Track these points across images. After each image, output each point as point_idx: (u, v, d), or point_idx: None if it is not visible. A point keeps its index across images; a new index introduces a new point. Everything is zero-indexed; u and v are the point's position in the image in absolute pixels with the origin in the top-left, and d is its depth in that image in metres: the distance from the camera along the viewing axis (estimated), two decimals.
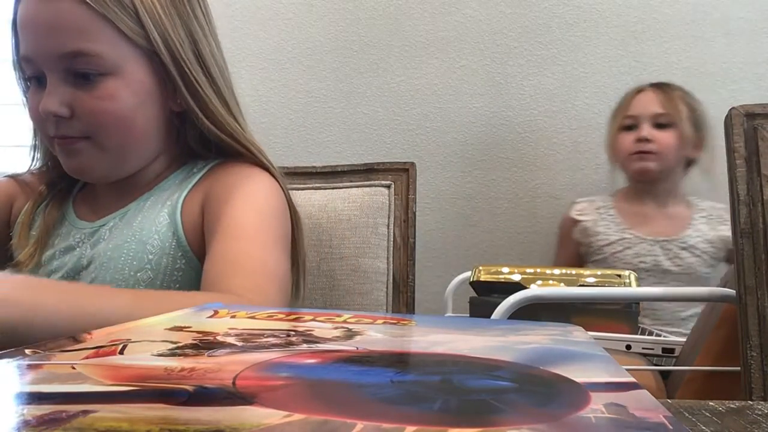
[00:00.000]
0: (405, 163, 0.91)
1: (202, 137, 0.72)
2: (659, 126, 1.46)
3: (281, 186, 0.72)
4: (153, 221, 0.68)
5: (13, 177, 0.78)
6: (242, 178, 0.69)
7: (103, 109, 0.64)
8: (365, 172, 0.92)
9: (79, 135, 0.65)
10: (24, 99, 0.70)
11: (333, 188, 0.91)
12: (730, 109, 0.76)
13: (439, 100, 1.78)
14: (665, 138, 1.45)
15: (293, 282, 0.71)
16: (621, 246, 1.48)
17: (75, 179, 0.75)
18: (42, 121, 0.65)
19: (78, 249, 0.69)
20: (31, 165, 0.78)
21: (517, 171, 1.70)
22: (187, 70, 0.67)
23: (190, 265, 0.67)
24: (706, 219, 1.48)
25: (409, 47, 1.79)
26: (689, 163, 1.50)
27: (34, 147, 0.76)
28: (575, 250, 1.56)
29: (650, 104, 1.47)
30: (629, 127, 1.49)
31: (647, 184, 1.50)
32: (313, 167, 0.95)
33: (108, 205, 0.72)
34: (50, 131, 0.65)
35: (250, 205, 0.66)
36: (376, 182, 0.90)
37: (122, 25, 0.63)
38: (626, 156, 1.48)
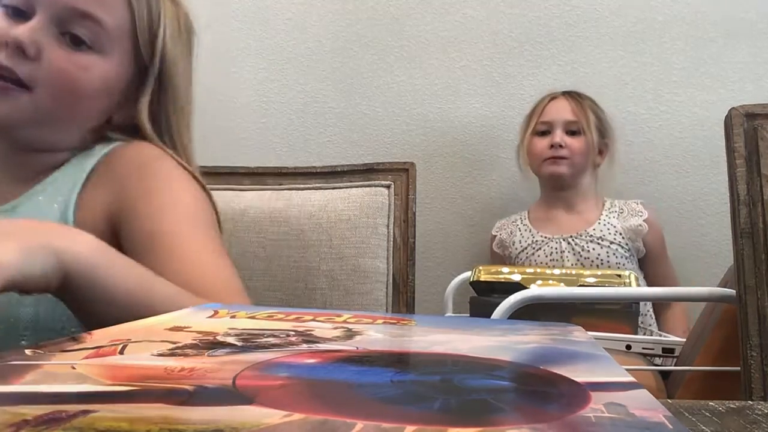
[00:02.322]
0: (405, 163, 0.92)
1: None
2: (570, 133, 1.54)
3: (196, 178, 0.66)
4: (42, 219, 0.60)
5: None
6: (163, 186, 0.62)
7: (70, 73, 0.60)
8: (365, 172, 0.92)
9: (24, 80, 0.59)
10: None
11: (333, 188, 0.91)
12: (730, 109, 0.76)
13: (439, 100, 1.78)
14: (575, 144, 1.53)
15: None
16: (533, 249, 1.55)
17: None
18: None
19: None
20: None
21: (517, 171, 1.70)
22: (175, 95, 0.67)
23: None
24: (616, 214, 1.55)
25: (409, 47, 1.79)
26: (594, 167, 1.59)
27: None
28: (501, 263, 1.63)
29: (563, 111, 1.55)
30: (542, 133, 1.56)
31: (558, 188, 1.58)
32: (313, 167, 0.95)
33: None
34: None
35: (182, 217, 0.60)
36: (376, 182, 0.90)
37: (139, 21, 0.63)
38: (540, 160, 1.55)
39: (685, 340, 1.08)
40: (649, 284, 1.53)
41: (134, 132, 0.68)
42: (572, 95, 1.57)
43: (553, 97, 1.58)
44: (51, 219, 0.60)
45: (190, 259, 0.56)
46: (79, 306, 0.46)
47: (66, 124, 0.64)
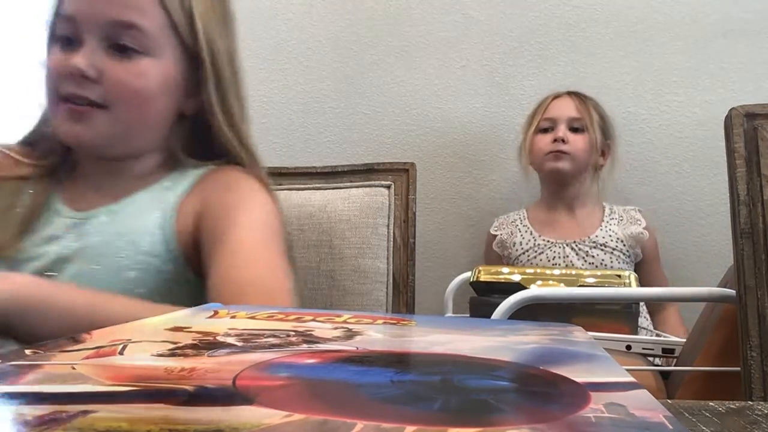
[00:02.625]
0: (405, 163, 0.92)
1: (197, 143, 0.74)
2: (573, 130, 1.54)
3: (273, 198, 0.73)
4: (145, 222, 0.68)
5: None
6: (242, 194, 0.70)
7: (130, 83, 0.66)
8: (365, 172, 0.92)
9: (96, 100, 0.65)
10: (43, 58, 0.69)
11: (333, 188, 0.91)
12: (730, 109, 0.76)
13: (439, 100, 1.78)
14: (578, 140, 1.53)
15: None
16: (535, 252, 1.55)
17: (60, 163, 0.74)
18: (61, 78, 0.65)
19: (62, 240, 0.67)
20: (20, 139, 0.76)
21: (517, 171, 1.70)
22: (223, 76, 0.71)
23: (178, 270, 0.67)
24: (616, 221, 1.56)
25: (409, 47, 1.79)
26: (595, 169, 1.59)
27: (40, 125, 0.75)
28: (498, 262, 1.63)
29: (567, 108, 1.55)
30: (545, 130, 1.56)
31: (559, 186, 1.57)
32: (313, 167, 0.95)
33: (96, 198, 0.71)
34: (66, 89, 0.65)
35: (252, 225, 0.67)
36: (376, 182, 0.90)
37: (175, 15, 0.67)
38: (542, 156, 1.55)
39: (685, 340, 1.07)
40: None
41: (213, 151, 0.74)
42: (576, 94, 1.57)
43: (556, 96, 1.58)
44: (151, 222, 0.68)
45: (250, 263, 0.63)
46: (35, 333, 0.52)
47: (142, 128, 0.70)
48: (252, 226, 0.67)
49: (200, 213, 0.68)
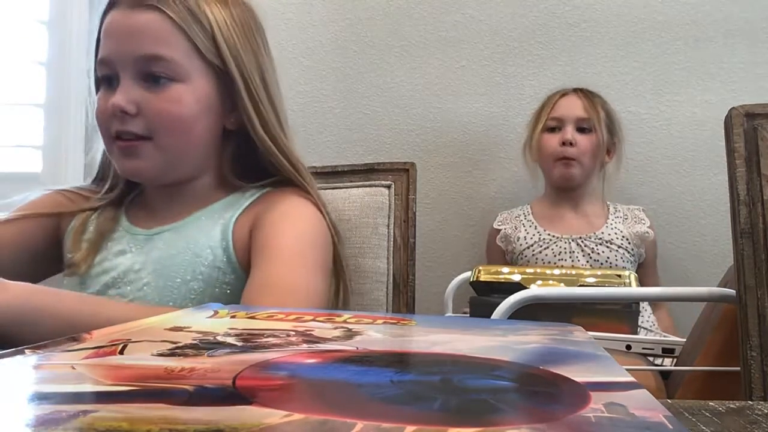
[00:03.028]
0: (405, 163, 0.91)
1: (247, 161, 0.77)
2: (580, 129, 1.52)
3: (323, 212, 0.76)
4: (207, 236, 0.73)
5: (61, 191, 0.83)
6: (289, 208, 0.74)
7: (167, 110, 0.70)
8: (365, 172, 0.92)
9: (141, 133, 0.70)
10: (92, 102, 0.75)
11: (333, 188, 0.91)
12: (730, 109, 0.76)
13: (439, 100, 1.78)
14: (586, 142, 1.52)
15: (336, 291, 0.76)
16: (539, 247, 1.54)
17: (126, 192, 0.81)
18: (107, 118, 0.70)
19: (131, 253, 0.74)
20: (84, 180, 0.84)
21: (517, 171, 1.70)
22: (253, 88, 0.74)
23: (239, 280, 0.71)
24: (621, 219, 1.55)
25: (409, 47, 1.79)
26: (601, 166, 1.58)
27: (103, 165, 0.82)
28: (501, 257, 1.63)
29: (574, 108, 1.54)
30: (552, 129, 1.55)
31: (567, 188, 1.57)
32: (313, 167, 0.95)
33: (161, 216, 0.76)
34: (114, 127, 0.70)
35: (291, 231, 0.71)
36: (377, 182, 0.90)
37: (197, 41, 0.71)
38: (551, 160, 1.54)
39: (685, 340, 1.08)
40: None
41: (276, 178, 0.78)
42: (583, 92, 1.56)
43: (563, 94, 1.57)
44: (213, 236, 0.73)
45: (281, 267, 0.67)
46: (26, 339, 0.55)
47: (190, 150, 0.73)
48: (291, 236, 0.71)
49: (253, 226, 0.73)
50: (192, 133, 0.72)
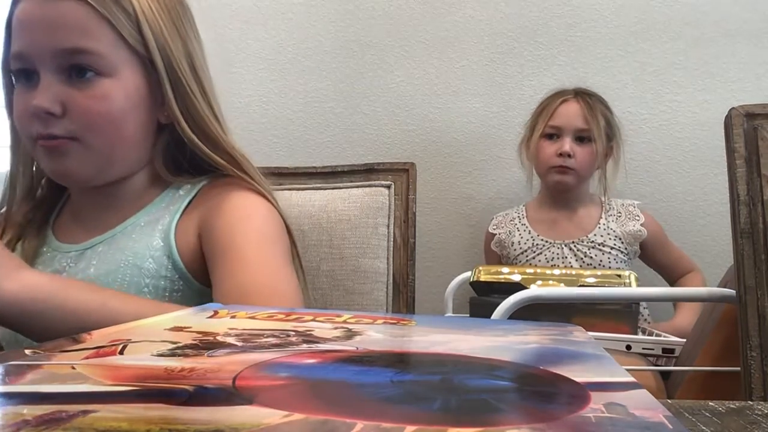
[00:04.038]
0: (405, 163, 0.92)
1: (183, 155, 0.72)
2: (579, 139, 1.51)
3: (271, 201, 0.71)
4: (146, 245, 0.67)
5: None
6: (239, 204, 0.69)
7: (95, 109, 0.64)
8: (365, 172, 0.92)
9: (67, 135, 0.64)
10: (7, 101, 0.69)
11: (333, 188, 0.91)
12: (730, 109, 0.76)
13: (439, 100, 1.78)
14: (583, 153, 1.51)
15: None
16: (533, 253, 1.55)
17: (53, 204, 0.75)
18: (29, 120, 0.64)
19: (65, 273, 0.68)
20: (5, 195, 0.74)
21: (517, 171, 1.70)
22: (182, 79, 0.68)
23: (190, 287, 0.68)
24: (615, 217, 1.55)
25: (409, 47, 1.79)
26: (598, 167, 1.58)
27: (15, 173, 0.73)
28: (497, 261, 1.62)
29: (574, 118, 1.51)
30: (551, 136, 1.53)
31: (562, 195, 1.57)
32: (313, 167, 0.95)
33: (92, 226, 0.71)
34: (36, 130, 0.64)
35: (250, 230, 0.67)
36: (376, 182, 0.90)
37: (123, 30, 0.64)
38: (546, 167, 1.54)
39: (685, 340, 1.08)
40: (661, 271, 1.56)
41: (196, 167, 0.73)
42: (584, 97, 1.53)
43: (564, 100, 1.53)
44: (153, 244, 0.68)
45: (254, 270, 0.63)
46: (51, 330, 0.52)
47: (121, 148, 0.68)
48: (252, 235, 0.66)
49: (201, 229, 0.68)
50: (123, 131, 0.66)
